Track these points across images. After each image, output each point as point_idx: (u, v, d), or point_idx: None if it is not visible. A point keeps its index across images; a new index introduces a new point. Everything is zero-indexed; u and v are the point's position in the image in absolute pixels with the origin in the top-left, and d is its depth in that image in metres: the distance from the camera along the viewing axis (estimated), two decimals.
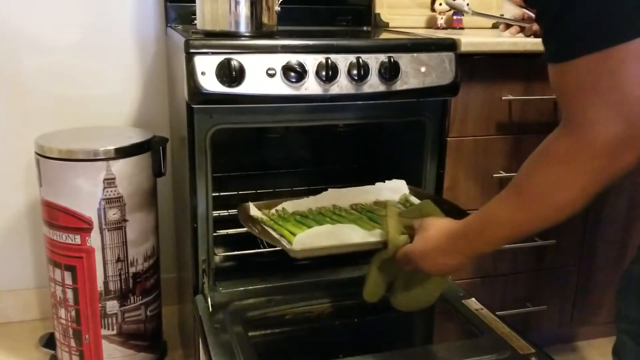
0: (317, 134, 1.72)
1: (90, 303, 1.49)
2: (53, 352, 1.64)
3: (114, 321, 1.52)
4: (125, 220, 1.46)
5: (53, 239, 1.47)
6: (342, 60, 1.19)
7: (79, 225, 1.43)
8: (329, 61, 1.17)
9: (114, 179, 1.42)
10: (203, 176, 1.23)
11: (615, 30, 0.65)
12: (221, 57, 1.13)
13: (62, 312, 1.52)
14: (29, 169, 1.78)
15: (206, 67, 1.12)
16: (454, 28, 1.78)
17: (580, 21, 0.66)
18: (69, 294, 1.49)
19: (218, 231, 1.35)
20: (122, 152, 1.43)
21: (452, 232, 0.90)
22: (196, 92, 1.12)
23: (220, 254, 1.43)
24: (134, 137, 1.50)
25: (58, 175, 1.42)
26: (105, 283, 1.48)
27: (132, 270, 1.50)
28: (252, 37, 1.23)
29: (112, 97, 1.80)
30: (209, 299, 1.22)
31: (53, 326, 1.59)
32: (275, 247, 1.13)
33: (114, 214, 1.44)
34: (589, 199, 0.72)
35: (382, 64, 1.21)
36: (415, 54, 1.24)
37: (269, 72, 1.15)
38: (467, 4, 1.61)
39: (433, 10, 1.81)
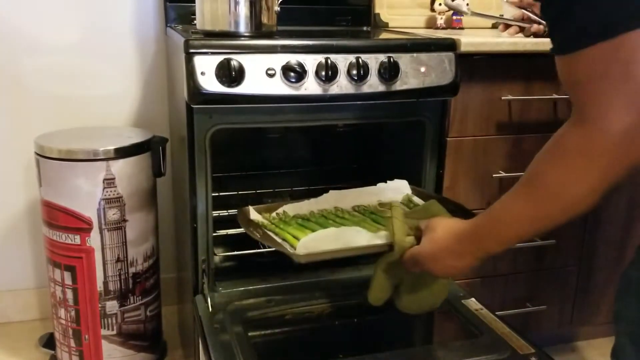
0: (317, 134, 1.72)
1: (90, 303, 1.49)
2: (53, 352, 1.64)
3: (114, 321, 1.52)
4: (125, 221, 1.46)
5: (53, 239, 1.47)
6: (342, 61, 1.19)
7: (79, 225, 1.43)
8: (329, 61, 1.17)
9: (114, 179, 1.42)
10: (203, 176, 1.23)
11: (627, 16, 0.62)
12: (221, 57, 1.12)
13: (61, 312, 1.52)
14: (28, 169, 1.78)
15: (206, 67, 1.12)
16: (454, 28, 1.78)
17: (589, 9, 0.64)
18: (69, 294, 1.49)
19: (218, 231, 1.35)
20: (122, 152, 1.43)
21: (461, 232, 0.87)
22: (196, 92, 1.12)
23: (220, 254, 1.43)
24: (134, 137, 1.50)
25: (58, 175, 1.42)
26: (105, 283, 1.48)
27: (131, 270, 1.50)
28: (251, 37, 1.23)
29: (111, 97, 1.80)
30: (209, 299, 1.22)
31: (53, 326, 1.59)
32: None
33: (113, 214, 1.44)
34: (603, 193, 0.69)
35: (381, 64, 1.21)
36: (414, 54, 1.24)
37: (269, 72, 1.15)
38: (467, 4, 1.61)
39: (433, 10, 1.81)
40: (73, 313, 1.50)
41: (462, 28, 1.78)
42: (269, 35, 1.26)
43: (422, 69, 1.24)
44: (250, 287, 1.32)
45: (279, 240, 1.10)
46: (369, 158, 1.75)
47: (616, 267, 1.69)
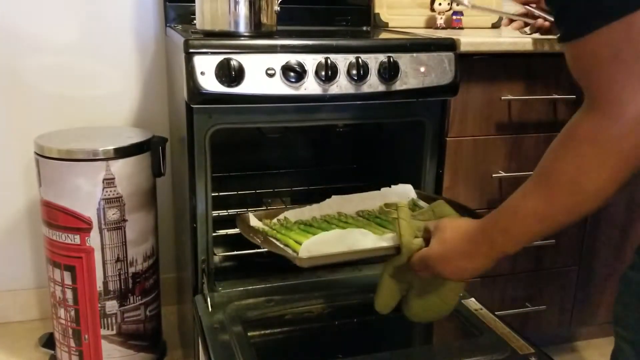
0: (316, 134, 1.72)
1: (89, 303, 1.49)
2: (52, 352, 1.64)
3: (114, 321, 1.52)
4: (124, 220, 1.46)
5: (52, 239, 1.47)
6: (342, 60, 1.19)
7: (79, 225, 1.43)
8: (329, 61, 1.17)
9: (114, 179, 1.42)
10: (202, 176, 1.22)
11: None
12: (220, 57, 1.12)
13: (61, 312, 1.52)
14: (28, 169, 1.78)
15: (205, 67, 1.12)
16: (454, 28, 1.78)
17: None
18: (69, 294, 1.49)
19: (217, 231, 1.35)
20: (122, 152, 1.43)
21: (472, 231, 0.83)
22: (195, 92, 1.12)
23: (219, 254, 1.43)
24: (134, 137, 1.50)
25: (57, 175, 1.42)
26: (105, 283, 1.48)
27: (131, 270, 1.50)
28: (251, 37, 1.23)
29: (111, 97, 1.80)
30: (209, 299, 1.22)
31: (52, 326, 1.59)
32: None
33: (113, 214, 1.44)
34: (620, 183, 0.66)
35: (381, 64, 1.21)
36: (414, 54, 1.24)
37: (269, 72, 1.15)
38: None
39: (432, 10, 1.81)
40: (73, 313, 1.50)
41: (462, 28, 1.78)
42: (269, 35, 1.26)
43: (422, 69, 1.24)
44: (250, 287, 1.32)
45: (281, 246, 1.07)
46: (369, 158, 1.74)
47: (616, 267, 1.70)
